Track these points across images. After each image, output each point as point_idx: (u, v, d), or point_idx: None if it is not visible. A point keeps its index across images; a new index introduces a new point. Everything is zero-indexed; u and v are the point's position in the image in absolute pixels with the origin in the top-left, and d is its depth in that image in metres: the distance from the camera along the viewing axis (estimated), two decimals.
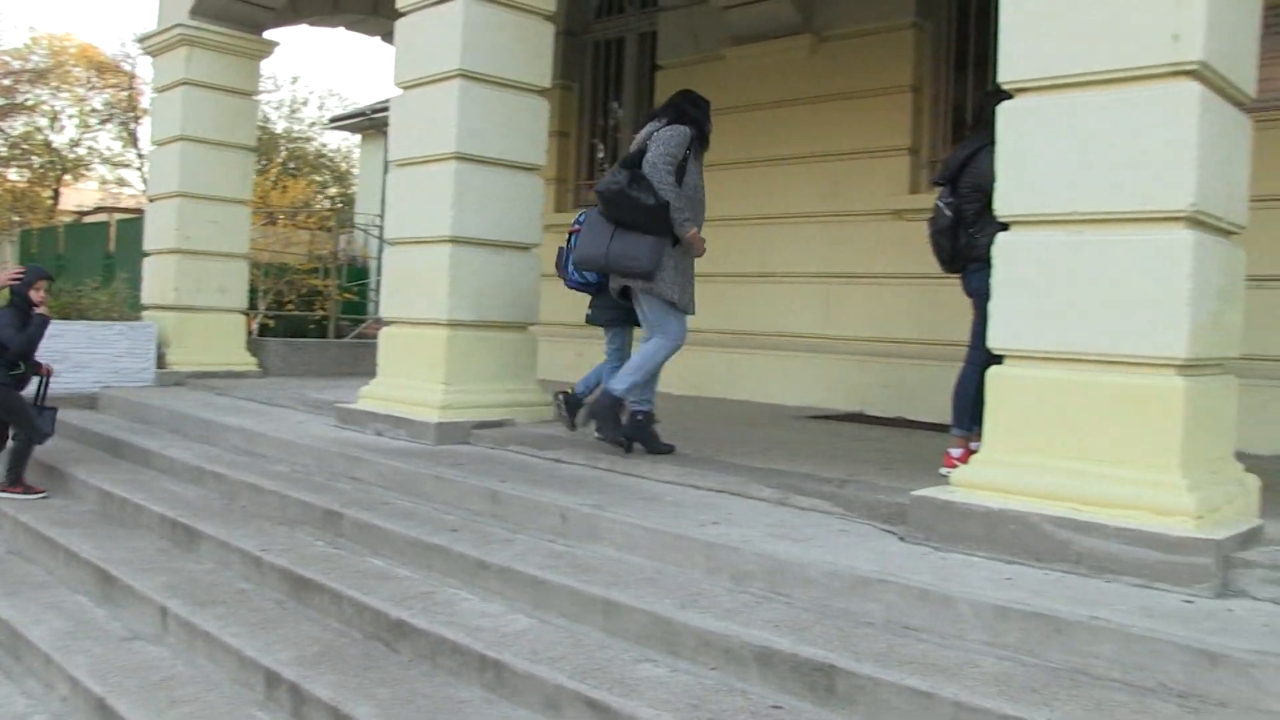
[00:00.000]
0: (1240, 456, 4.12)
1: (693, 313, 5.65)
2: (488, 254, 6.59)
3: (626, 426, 5.53)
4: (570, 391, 6.01)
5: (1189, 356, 3.46)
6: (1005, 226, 3.90)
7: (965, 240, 5.09)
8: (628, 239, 5.34)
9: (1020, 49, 3.86)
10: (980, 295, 4.43)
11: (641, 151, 5.51)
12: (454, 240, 6.40)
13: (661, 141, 5.44)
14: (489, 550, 4.32)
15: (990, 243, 3.98)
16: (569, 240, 5.99)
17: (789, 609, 3.58)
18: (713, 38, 9.54)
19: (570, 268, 5.96)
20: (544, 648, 3.59)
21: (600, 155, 11.28)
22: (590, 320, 6.23)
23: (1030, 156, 3.79)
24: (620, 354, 6.09)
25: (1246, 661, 2.81)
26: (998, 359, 3.92)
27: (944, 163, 5.48)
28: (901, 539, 3.94)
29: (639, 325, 5.79)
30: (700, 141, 5.67)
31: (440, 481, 5.19)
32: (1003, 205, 3.87)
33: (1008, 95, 3.92)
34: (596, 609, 3.76)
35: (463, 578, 4.27)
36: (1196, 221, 3.51)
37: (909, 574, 3.50)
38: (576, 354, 9.67)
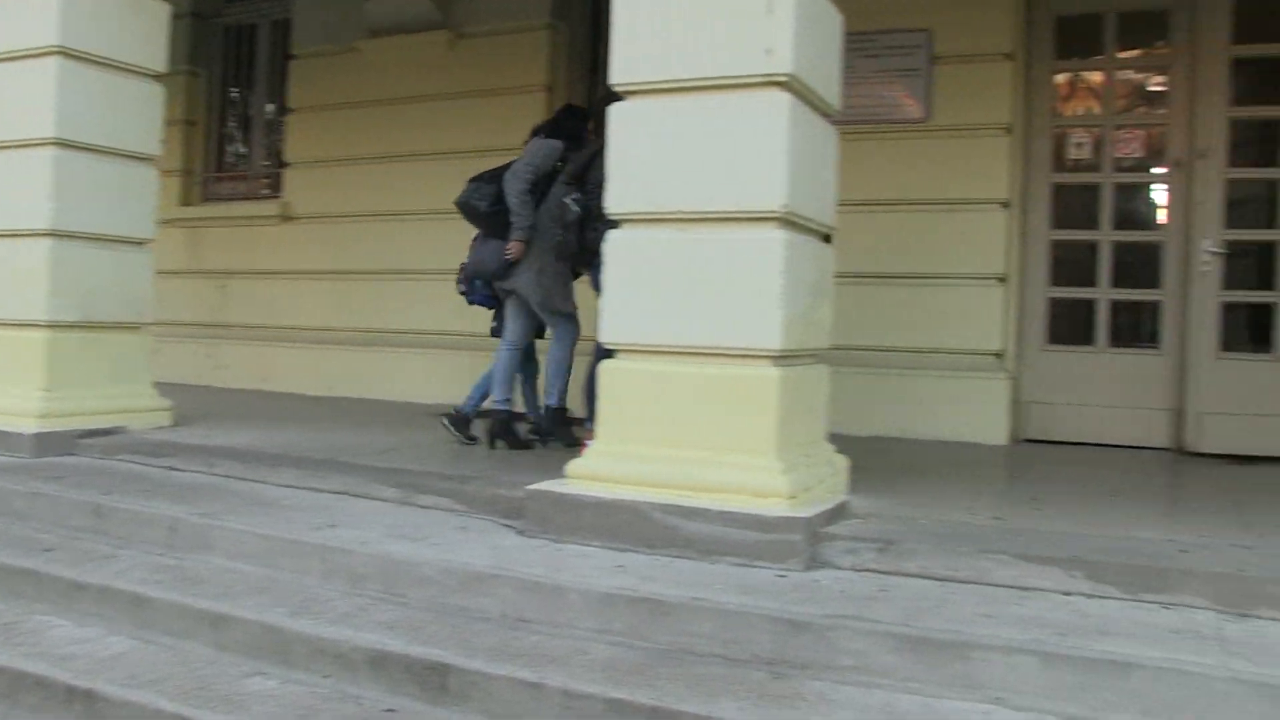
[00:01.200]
0: (839, 438, 4.46)
1: (570, 310, 5.87)
2: (95, 249, 6.09)
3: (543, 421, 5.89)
4: (454, 411, 6.02)
5: (782, 348, 3.72)
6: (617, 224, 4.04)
7: (593, 236, 5.22)
8: (488, 245, 5.79)
9: (630, 53, 4.00)
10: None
11: (508, 165, 5.80)
12: (54, 234, 5.87)
13: (528, 153, 5.77)
14: (87, 569, 4.00)
15: None
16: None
17: (405, 610, 3.53)
18: (350, 29, 9.28)
19: (463, 284, 6.30)
20: (145, 670, 3.36)
21: (237, 147, 10.74)
22: (494, 333, 6.27)
23: (638, 157, 3.94)
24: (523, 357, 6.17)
25: (825, 626, 3.05)
26: (610, 352, 4.04)
27: (572, 160, 5.60)
28: (520, 533, 3.99)
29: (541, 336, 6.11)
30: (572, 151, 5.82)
31: (35, 498, 4.75)
32: (614, 203, 4.00)
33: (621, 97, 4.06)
34: (205, 623, 3.57)
35: (56, 602, 3.91)
36: (788, 222, 3.77)
37: (524, 567, 3.54)
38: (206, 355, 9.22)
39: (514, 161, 5.82)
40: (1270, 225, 6.77)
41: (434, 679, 3.11)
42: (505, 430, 5.81)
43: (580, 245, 5.27)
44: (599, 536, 3.81)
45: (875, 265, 6.98)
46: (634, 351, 3.96)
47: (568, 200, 5.29)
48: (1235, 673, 2.75)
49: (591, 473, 3.95)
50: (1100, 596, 3.33)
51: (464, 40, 8.82)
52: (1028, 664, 2.88)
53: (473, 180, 5.89)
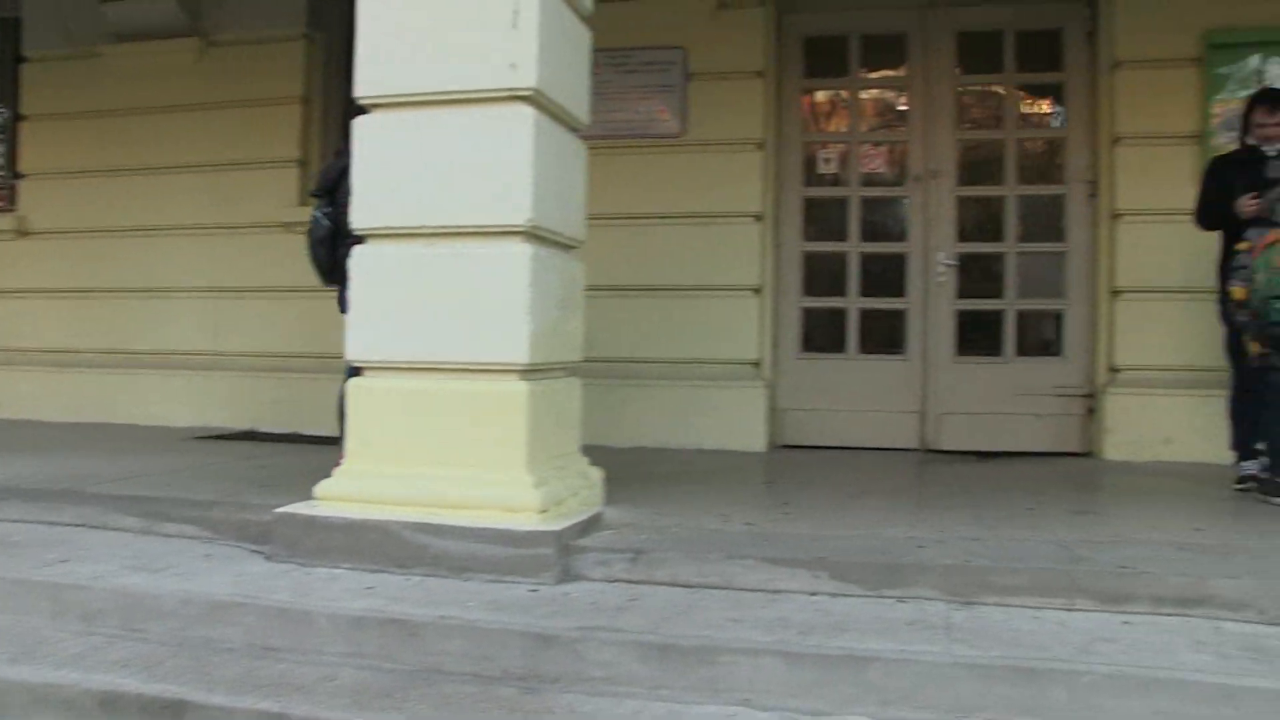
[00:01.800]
0: (599, 450, 4.50)
1: None
2: None
3: None
4: None
5: (530, 362, 3.72)
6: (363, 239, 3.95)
7: (344, 251, 5.09)
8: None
9: (375, 65, 3.94)
10: None
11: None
12: None
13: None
14: None
15: None
16: None
17: (143, 645, 3.34)
18: (89, 32, 8.76)
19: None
20: None
21: None
22: None
23: (384, 170, 3.88)
24: None
25: (574, 638, 3.06)
26: (358, 370, 3.96)
27: (321, 173, 5.47)
28: (268, 558, 3.85)
29: None
30: None
31: None
32: (360, 218, 3.92)
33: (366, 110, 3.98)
34: None
35: None
36: (535, 236, 3.78)
37: (269, 594, 3.42)
38: None
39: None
40: (997, 239, 7.25)
41: (170, 717, 2.95)
42: None
43: (331, 261, 5.13)
44: (349, 558, 3.71)
45: (635, 278, 7.09)
46: (382, 369, 3.89)
47: (317, 214, 5.15)
48: (958, 658, 2.91)
49: (341, 493, 3.85)
50: (843, 595, 3.48)
51: (215, 48, 8.47)
52: (773, 664, 2.96)
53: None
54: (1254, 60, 6.59)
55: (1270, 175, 5.12)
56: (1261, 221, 4.93)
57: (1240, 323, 4.95)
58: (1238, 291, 4.86)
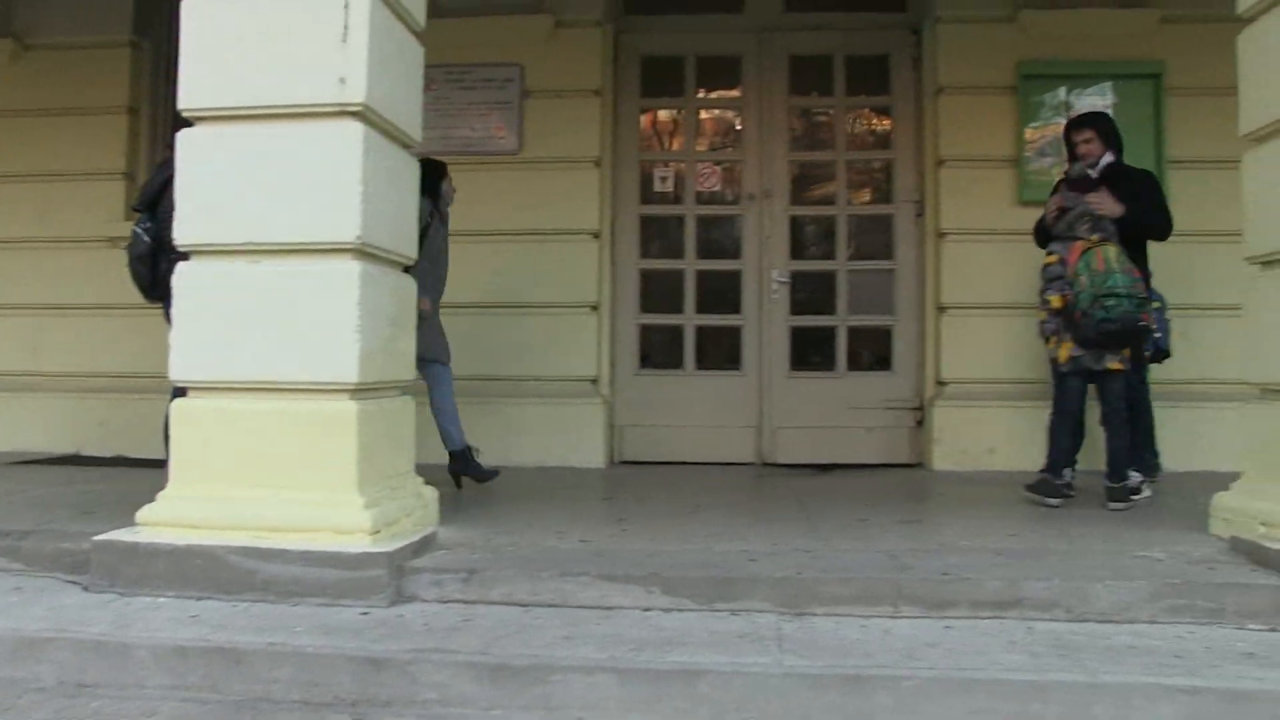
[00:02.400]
0: (437, 469, 4.47)
1: (446, 360, 5.93)
2: None
3: (450, 465, 5.79)
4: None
5: (361, 381, 3.66)
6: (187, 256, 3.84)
7: (167, 267, 4.92)
8: None
9: (199, 77, 3.84)
10: None
11: None
12: None
13: None
14: None
15: None
16: None
17: None
18: None
19: None
20: None
21: None
22: None
23: (209, 185, 3.78)
24: None
25: (407, 661, 3.03)
26: (183, 391, 3.84)
27: (142, 187, 5.28)
28: (85, 589, 3.68)
29: None
30: (437, 206, 5.83)
31: None
32: (183, 234, 3.80)
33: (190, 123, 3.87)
34: None
35: None
36: (364, 253, 3.73)
37: (85, 626, 3.27)
38: None
39: None
40: (829, 257, 7.46)
41: None
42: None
43: (153, 278, 4.95)
44: (173, 586, 3.58)
45: (474, 295, 7.03)
46: (207, 389, 3.77)
47: (137, 229, 4.97)
48: (788, 668, 2.99)
49: (165, 519, 3.72)
50: (677, 609, 3.53)
51: (31, 52, 8.07)
52: (606, 681, 2.98)
53: None
54: (1062, 91, 6.98)
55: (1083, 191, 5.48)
56: (1066, 236, 5.26)
57: (1051, 330, 5.27)
58: (1055, 300, 5.19)
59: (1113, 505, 5.06)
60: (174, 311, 3.80)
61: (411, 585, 3.60)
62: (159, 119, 8.07)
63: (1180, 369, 6.37)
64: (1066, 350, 5.21)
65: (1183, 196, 6.50)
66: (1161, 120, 6.85)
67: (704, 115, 7.83)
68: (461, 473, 5.82)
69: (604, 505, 5.48)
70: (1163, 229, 5.51)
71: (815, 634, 3.29)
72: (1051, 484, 5.21)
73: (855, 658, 3.07)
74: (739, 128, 7.66)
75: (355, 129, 3.70)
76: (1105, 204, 5.29)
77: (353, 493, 3.64)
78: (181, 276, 3.81)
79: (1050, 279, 5.25)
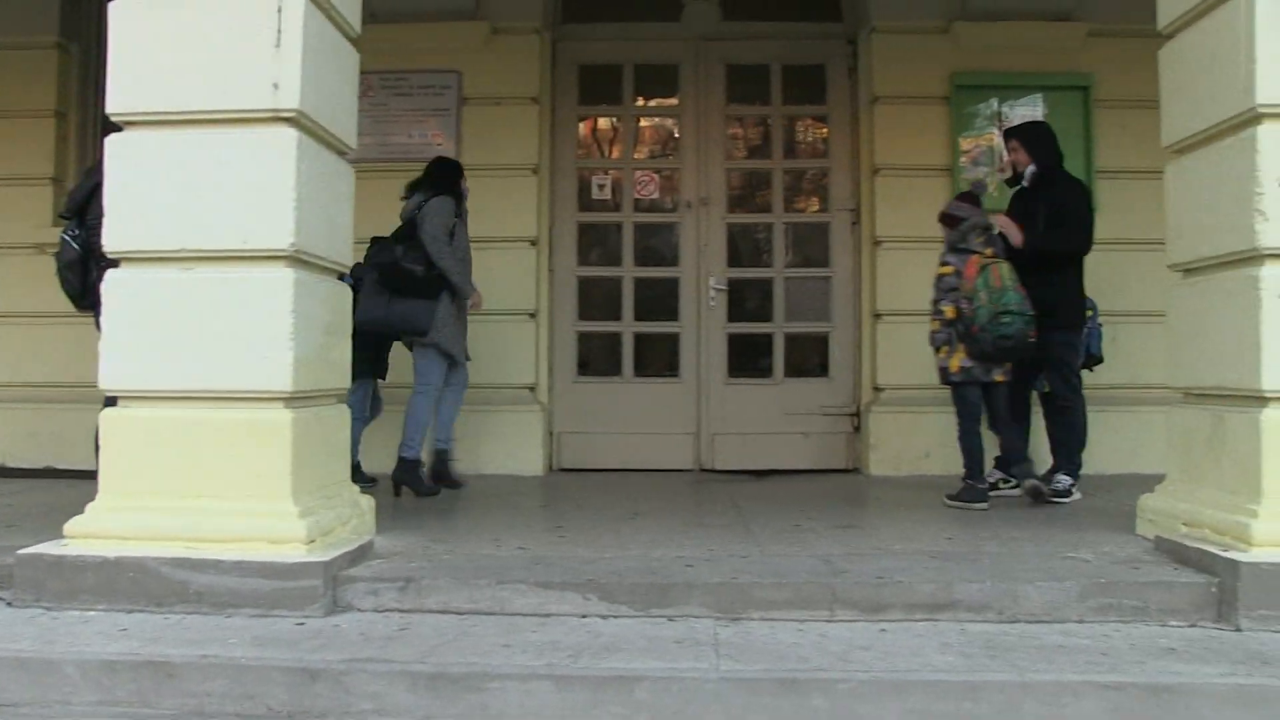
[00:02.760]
0: (379, 477, 4.38)
1: (467, 360, 6.19)
2: None
3: (395, 471, 5.88)
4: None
5: (294, 389, 3.63)
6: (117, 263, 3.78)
7: (98, 275, 4.84)
8: (406, 303, 5.83)
9: (129, 80, 3.77)
10: None
11: (412, 223, 5.93)
12: None
13: (431, 216, 5.88)
14: None
15: None
16: None
17: None
18: None
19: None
20: None
21: None
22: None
23: (140, 191, 3.72)
24: (363, 403, 6.09)
25: (342, 671, 3.00)
26: (114, 400, 3.77)
27: (70, 193, 5.21)
28: (10, 604, 3.58)
29: (382, 377, 6.36)
30: (459, 204, 6.08)
31: None
32: (112, 241, 3.74)
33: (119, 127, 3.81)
34: None
35: None
36: (298, 261, 3.70)
37: (9, 643, 3.20)
38: None
39: (417, 228, 5.90)
40: (766, 264, 7.54)
41: None
42: (410, 476, 5.90)
43: (83, 286, 4.88)
44: (103, 599, 3.52)
45: None
46: (138, 398, 3.71)
47: (66, 236, 4.89)
48: (725, 673, 3.00)
49: (95, 530, 3.64)
50: (614, 616, 3.53)
51: None
52: (543, 688, 2.98)
53: (396, 241, 5.96)
54: (994, 101, 7.10)
55: (1023, 201, 5.75)
56: (960, 248, 5.50)
57: (943, 340, 5.49)
58: (950, 311, 5.41)
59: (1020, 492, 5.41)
60: (103, 319, 3.74)
61: (348, 595, 3.57)
62: (88, 123, 7.93)
63: (1111, 374, 6.50)
64: (958, 361, 5.45)
65: (1111, 206, 6.65)
66: (1091, 131, 7.00)
67: (643, 123, 7.86)
68: (402, 482, 5.84)
69: (542, 512, 5.48)
70: (1073, 251, 5.65)
71: (751, 638, 3.31)
72: (975, 489, 5.36)
73: (791, 661, 3.09)
74: (677, 136, 7.70)
75: (289, 135, 3.67)
76: (1009, 230, 5.53)
77: (287, 502, 3.60)
78: (111, 284, 3.75)
79: (945, 289, 5.46)
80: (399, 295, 5.88)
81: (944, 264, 5.49)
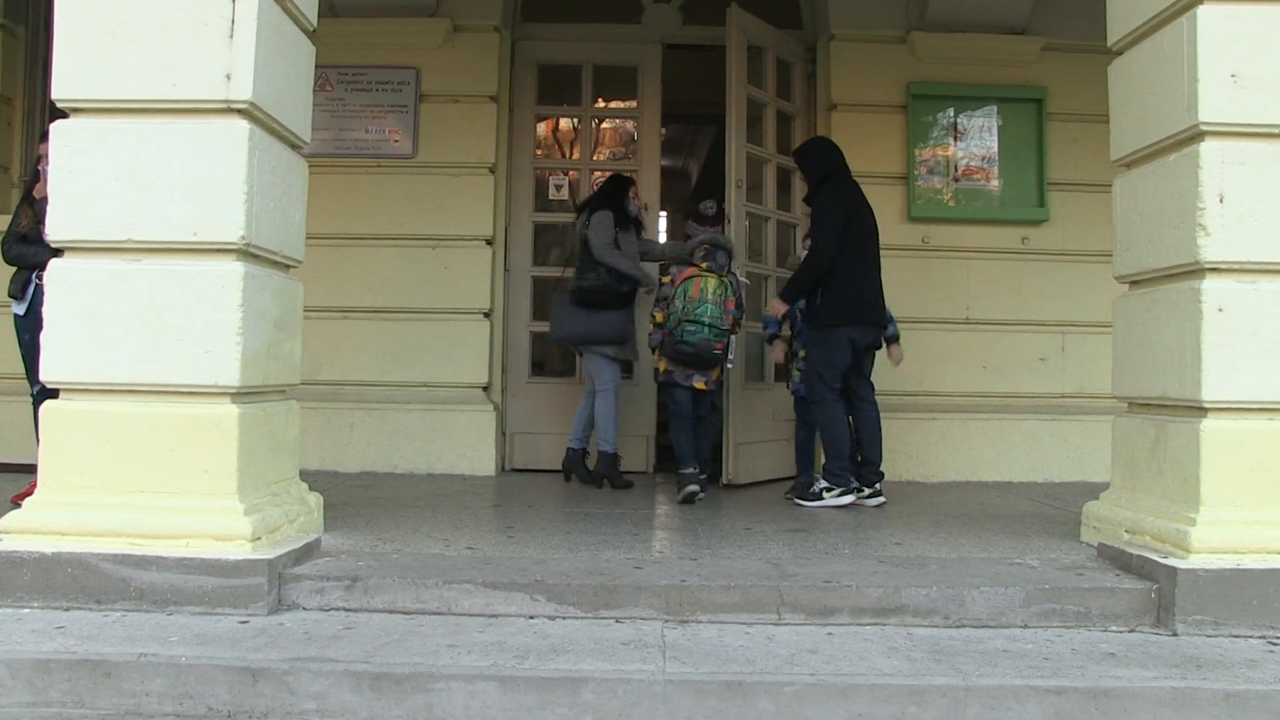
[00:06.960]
0: (326, 475, 4.36)
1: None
2: None
3: (597, 465, 6.52)
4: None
5: (242, 384, 3.59)
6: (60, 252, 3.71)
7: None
8: (602, 316, 6.33)
9: (76, 66, 3.68)
10: None
11: (584, 241, 6.42)
12: None
13: (595, 232, 6.33)
14: None
15: None
16: None
17: None
18: None
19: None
20: None
21: None
22: None
23: (85, 180, 3.64)
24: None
25: (284, 670, 2.96)
26: (54, 393, 3.70)
27: (34, 186, 5.13)
28: None
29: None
30: (621, 215, 6.45)
31: None
32: (56, 230, 3.67)
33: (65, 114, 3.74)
34: None
35: None
36: (248, 254, 3.65)
37: None
38: None
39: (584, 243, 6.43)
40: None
41: None
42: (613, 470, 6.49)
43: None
44: (39, 596, 3.45)
45: (365, 300, 6.97)
46: (80, 391, 3.64)
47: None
48: (671, 675, 2.99)
49: (32, 525, 3.57)
50: (562, 617, 3.52)
51: None
52: (488, 689, 2.96)
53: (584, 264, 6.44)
54: (950, 112, 7.17)
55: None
56: (686, 261, 6.00)
57: (655, 343, 5.97)
58: (659, 315, 5.89)
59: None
60: (46, 310, 3.67)
61: (293, 593, 3.53)
62: (37, 109, 7.80)
63: (1060, 384, 6.58)
64: (664, 364, 5.93)
65: (1063, 218, 6.73)
66: (1044, 144, 7.08)
67: (604, 125, 7.85)
68: (604, 475, 6.45)
69: (493, 512, 5.45)
70: (820, 275, 5.74)
71: (699, 641, 3.31)
72: (684, 475, 5.85)
73: (738, 664, 3.09)
74: (635, 137, 7.69)
75: (241, 127, 3.62)
76: (773, 306, 6.13)
77: (232, 499, 3.55)
78: (55, 273, 3.67)
79: (660, 297, 5.99)
80: (594, 309, 6.36)
81: (665, 274, 6.07)
